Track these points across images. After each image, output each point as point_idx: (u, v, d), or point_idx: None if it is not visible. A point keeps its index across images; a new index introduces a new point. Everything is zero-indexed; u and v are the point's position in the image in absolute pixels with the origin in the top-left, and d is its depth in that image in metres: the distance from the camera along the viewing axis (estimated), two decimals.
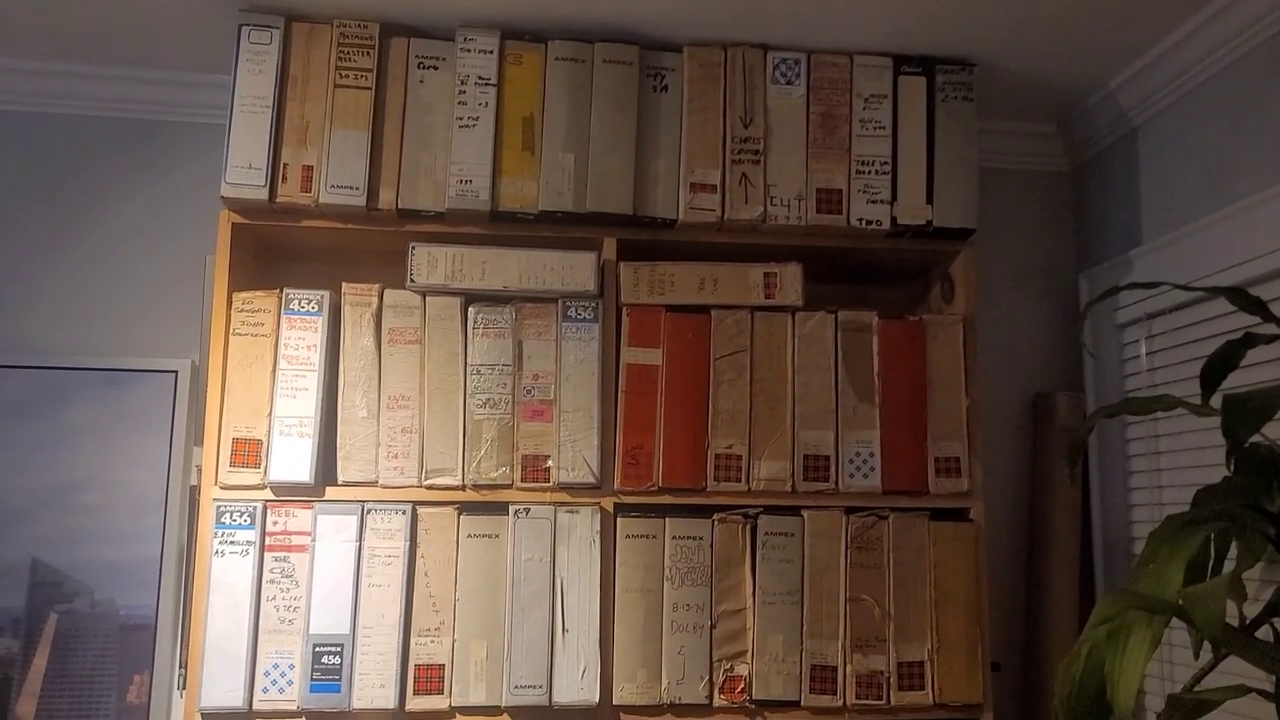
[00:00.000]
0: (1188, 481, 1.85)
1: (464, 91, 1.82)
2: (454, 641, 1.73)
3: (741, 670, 1.78)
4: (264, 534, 1.72)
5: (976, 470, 1.88)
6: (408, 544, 1.74)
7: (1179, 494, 1.88)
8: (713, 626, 1.78)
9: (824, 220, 1.87)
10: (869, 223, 1.89)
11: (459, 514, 1.77)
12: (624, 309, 1.85)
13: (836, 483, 1.84)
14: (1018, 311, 2.26)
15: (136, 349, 2.02)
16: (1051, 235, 2.29)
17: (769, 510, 1.83)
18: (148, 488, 1.98)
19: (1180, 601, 1.21)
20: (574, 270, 1.83)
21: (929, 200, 1.90)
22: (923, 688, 1.80)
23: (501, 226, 1.85)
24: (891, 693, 1.80)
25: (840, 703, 1.78)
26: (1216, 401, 1.37)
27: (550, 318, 1.83)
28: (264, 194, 1.76)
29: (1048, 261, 2.28)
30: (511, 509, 1.77)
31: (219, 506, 1.72)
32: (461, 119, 1.81)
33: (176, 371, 2.01)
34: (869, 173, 1.89)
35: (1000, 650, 2.00)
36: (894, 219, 1.89)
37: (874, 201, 1.89)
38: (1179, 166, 1.93)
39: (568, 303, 1.83)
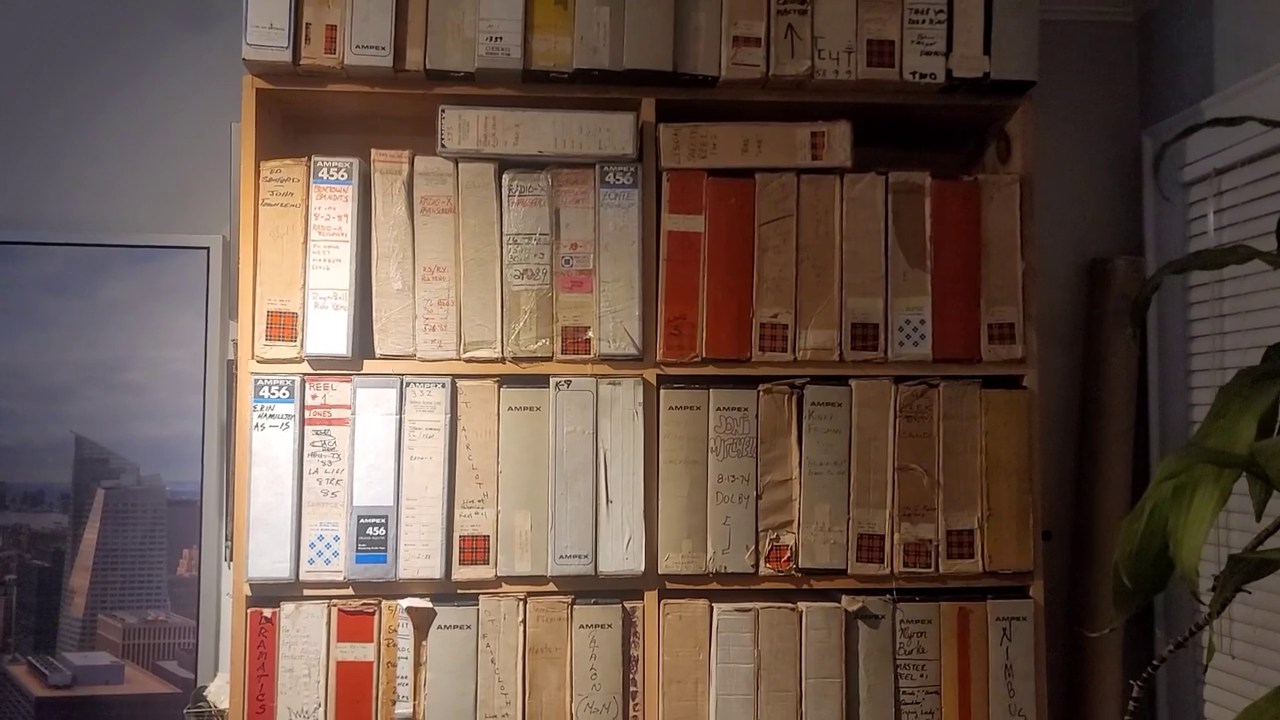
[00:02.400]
0: (1254, 344, 1.78)
1: None
2: (498, 513, 1.72)
3: (788, 540, 1.76)
4: (303, 407, 1.71)
5: (1031, 337, 1.82)
6: (448, 417, 1.72)
7: (1244, 358, 1.81)
8: (758, 497, 1.76)
9: (875, 74, 1.77)
10: (922, 76, 1.78)
11: (499, 387, 1.74)
12: (664, 174, 1.77)
13: (885, 351, 1.79)
14: (1075, 173, 2.15)
15: (170, 225, 1.99)
16: (1113, 90, 2.17)
17: (815, 380, 1.78)
18: (186, 365, 1.96)
19: (1252, 455, 1.15)
20: (611, 133, 1.75)
21: (986, 51, 1.78)
22: (972, 556, 1.78)
23: (535, 88, 1.77)
24: (940, 561, 1.77)
25: (888, 570, 1.77)
26: None
27: (587, 184, 1.76)
28: (287, 55, 1.69)
29: (1108, 118, 2.16)
30: (552, 381, 1.73)
31: (257, 380, 1.70)
32: None
33: (209, 247, 1.98)
34: (923, 22, 1.78)
35: (1050, 519, 1.96)
36: (949, 72, 1.78)
37: (928, 53, 1.78)
38: (1255, 9, 1.79)
39: (605, 168, 1.75)
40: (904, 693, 1.75)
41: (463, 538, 1.72)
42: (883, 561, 1.77)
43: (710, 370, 1.77)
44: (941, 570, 1.77)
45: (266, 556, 1.68)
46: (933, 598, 1.77)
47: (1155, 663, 1.35)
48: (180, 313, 1.97)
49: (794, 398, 1.77)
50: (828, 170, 1.79)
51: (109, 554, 1.94)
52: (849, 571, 1.76)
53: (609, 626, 1.72)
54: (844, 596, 1.76)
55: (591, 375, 1.74)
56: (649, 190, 1.77)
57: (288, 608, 1.68)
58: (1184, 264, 1.47)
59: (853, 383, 1.78)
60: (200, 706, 1.75)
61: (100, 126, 2.01)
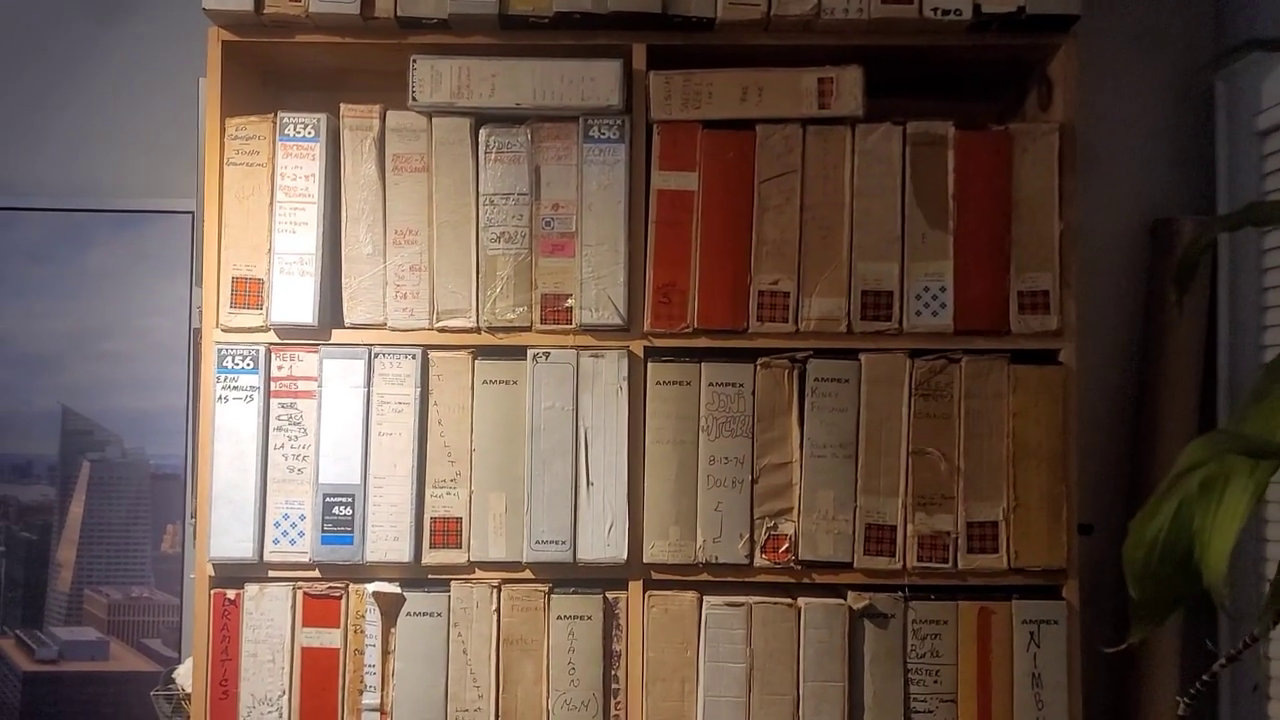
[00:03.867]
0: None
1: None
2: (471, 494, 1.61)
3: (786, 529, 1.60)
4: (269, 379, 1.62)
5: (1069, 306, 1.61)
6: (418, 390, 1.61)
7: None
8: (754, 481, 1.60)
9: (890, 12, 1.58)
10: (945, 13, 1.58)
11: (473, 358, 1.62)
12: (654, 126, 1.62)
13: (900, 321, 1.61)
14: (1134, 123, 1.92)
15: (153, 189, 1.92)
16: (1179, 25, 1.92)
17: (820, 354, 1.61)
18: (169, 334, 1.90)
19: None
20: (596, 82, 1.60)
21: None
22: (995, 550, 1.59)
23: (513, 35, 1.63)
24: (959, 555, 1.59)
25: (899, 565, 1.59)
26: None
27: (570, 139, 1.62)
28: (249, 4, 1.59)
29: (1175, 58, 1.92)
30: (530, 353, 1.60)
31: (220, 350, 1.61)
32: None
33: (193, 212, 1.90)
34: None
35: (1093, 512, 1.76)
36: (976, 7, 1.58)
37: None
38: None
39: (590, 121, 1.61)
40: (915, 700, 1.58)
41: (433, 519, 1.61)
42: (894, 555, 1.60)
43: (702, 342, 1.62)
44: (960, 565, 1.59)
45: (229, 536, 1.60)
46: (950, 596, 1.60)
47: (1205, 678, 1.18)
48: (163, 280, 1.90)
49: (795, 373, 1.61)
50: (837, 120, 1.61)
51: (94, 528, 1.89)
52: (855, 565, 1.59)
53: (589, 618, 1.59)
54: (849, 592, 1.59)
55: (573, 347, 1.61)
56: (637, 145, 1.62)
57: (251, 589, 1.60)
58: (1238, 219, 1.26)
59: (862, 356, 1.61)
60: (170, 689, 1.69)
61: (75, 89, 1.95)
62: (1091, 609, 1.66)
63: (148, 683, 1.85)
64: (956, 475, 1.60)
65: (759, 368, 1.61)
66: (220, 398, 1.61)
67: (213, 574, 1.61)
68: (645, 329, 1.61)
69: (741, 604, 1.58)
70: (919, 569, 1.60)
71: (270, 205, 1.62)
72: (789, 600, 1.59)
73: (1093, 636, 1.62)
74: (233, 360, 1.61)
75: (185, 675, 1.68)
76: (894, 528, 1.60)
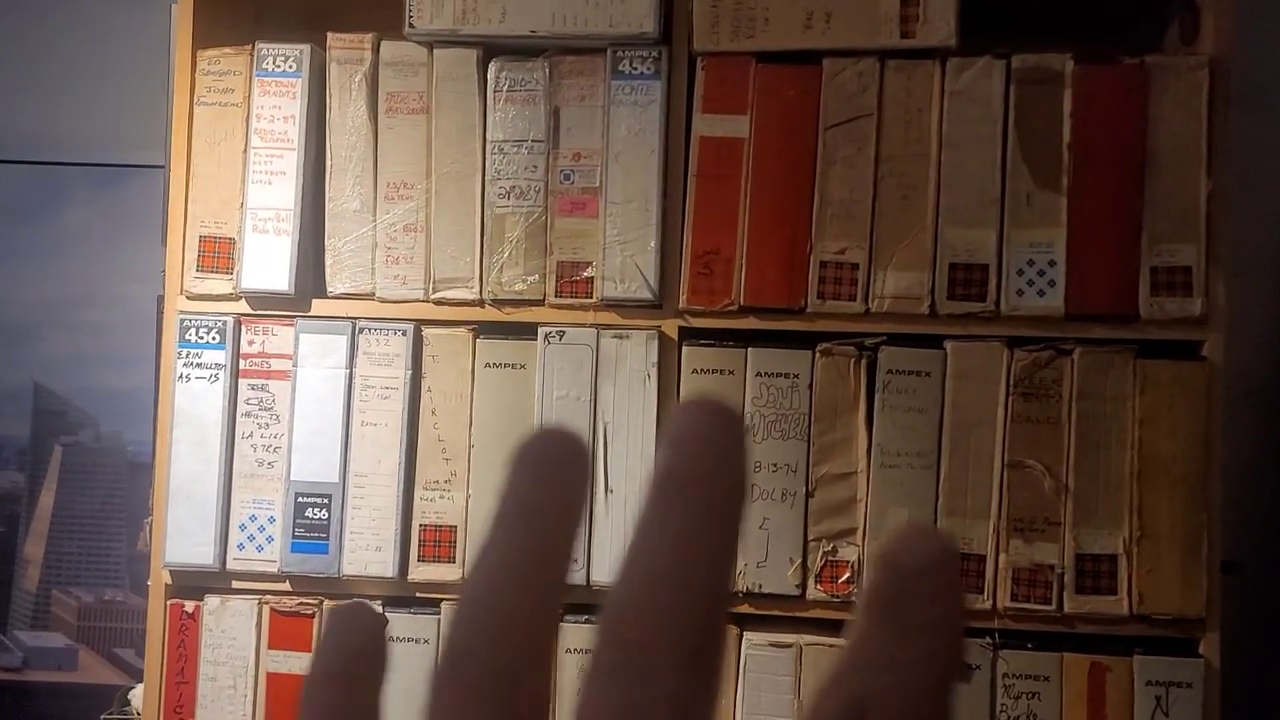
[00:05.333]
0: None
1: None
2: (468, 498, 1.35)
3: (847, 554, 1.30)
4: (237, 355, 1.38)
5: (1217, 287, 1.28)
6: (409, 373, 1.35)
7: None
8: (809, 495, 1.31)
9: None
10: None
11: (474, 337, 1.35)
12: (697, 59, 1.34)
13: (998, 302, 1.29)
14: None
15: (132, 141, 1.70)
16: None
17: (895, 340, 1.31)
18: (148, 303, 1.68)
19: None
20: (627, 5, 1.33)
21: None
22: (1113, 591, 1.27)
23: None
24: (1065, 595, 1.27)
25: (989, 604, 1.28)
26: None
27: (596, 75, 1.35)
28: None
29: None
30: (542, 332, 1.34)
31: (183, 321, 1.38)
32: None
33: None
34: None
35: (1238, 547, 1.41)
36: None
37: None
38: None
39: (619, 52, 1.33)
40: None
41: (424, 527, 1.35)
42: (981, 591, 1.29)
43: (750, 323, 1.33)
44: (1067, 609, 1.27)
45: (189, 538, 1.37)
46: (1053, 646, 1.28)
47: None
48: (146, 243, 1.68)
49: (864, 363, 1.31)
50: (923, 53, 1.31)
51: (66, 521, 1.69)
52: None
53: None
54: None
55: (592, 325, 1.34)
56: (677, 82, 1.34)
57: (212, 602, 1.37)
58: None
59: (948, 344, 1.30)
60: (125, 712, 1.46)
61: (48, 32, 1.75)
62: (1234, 668, 1.32)
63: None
64: (1064, 495, 1.28)
65: (819, 356, 1.31)
66: (181, 376, 1.37)
67: (169, 582, 1.38)
68: (680, 305, 1.33)
69: (790, 644, 1.29)
70: (1013, 610, 1.28)
71: (244, 152, 1.38)
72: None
73: (1235, 703, 1.29)
74: (196, 333, 1.37)
75: (141, 697, 1.45)
76: (982, 558, 1.29)
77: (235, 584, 1.37)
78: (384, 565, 1.34)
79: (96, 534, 1.70)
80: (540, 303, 1.35)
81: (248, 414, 1.38)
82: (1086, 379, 1.28)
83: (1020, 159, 1.30)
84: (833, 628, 1.31)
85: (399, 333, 1.36)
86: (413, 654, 1.34)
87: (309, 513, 1.35)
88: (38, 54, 1.77)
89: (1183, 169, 1.29)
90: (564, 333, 1.33)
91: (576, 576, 1.32)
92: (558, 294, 1.35)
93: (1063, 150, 1.29)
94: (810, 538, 1.31)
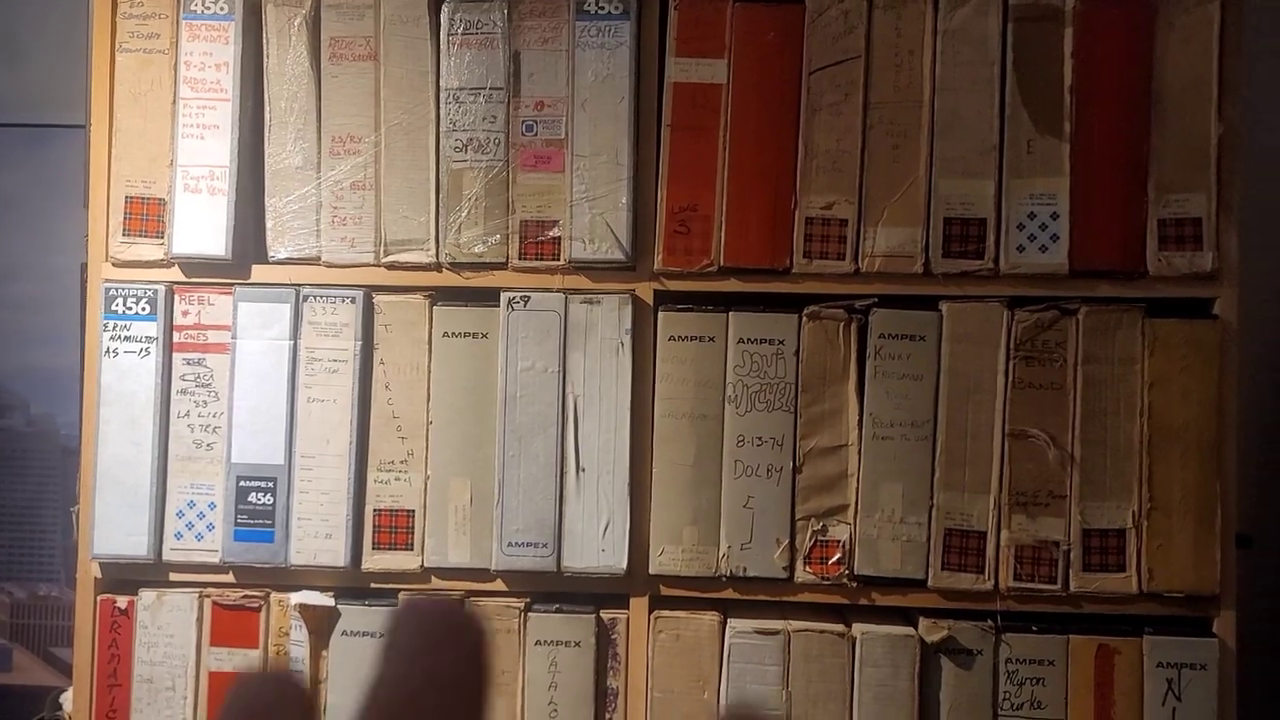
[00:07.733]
0: None
1: None
2: (426, 480, 1.24)
3: (839, 533, 1.21)
4: (170, 327, 1.26)
5: (1230, 239, 1.19)
6: (359, 344, 1.24)
7: None
8: (796, 470, 1.21)
9: None
10: None
11: (431, 304, 1.24)
12: None
13: (997, 259, 1.20)
14: None
15: (58, 100, 1.57)
16: None
17: (887, 301, 1.21)
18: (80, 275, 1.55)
19: None
20: None
21: None
22: (1121, 568, 1.18)
23: None
24: (1071, 574, 1.19)
25: (990, 584, 1.19)
26: None
27: (559, 15, 1.23)
28: None
29: None
30: (504, 297, 1.23)
31: (109, 290, 1.26)
32: None
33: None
34: None
35: (1253, 519, 1.33)
36: None
37: None
38: None
39: None
40: None
41: (378, 512, 1.24)
42: (982, 570, 1.20)
43: (731, 285, 1.23)
44: (1074, 587, 1.19)
45: (119, 527, 1.25)
46: (1058, 628, 1.19)
47: None
48: (75, 208, 1.56)
49: (854, 327, 1.21)
50: None
51: None
52: (930, 584, 1.20)
53: (576, 645, 1.22)
54: (921, 619, 1.20)
55: (560, 290, 1.23)
56: (648, 23, 1.23)
57: (147, 597, 1.25)
58: None
59: (944, 306, 1.20)
60: (56, 716, 1.35)
61: None
62: (1250, 648, 1.24)
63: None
64: (1069, 466, 1.19)
65: (805, 319, 1.21)
66: (108, 351, 1.25)
67: (99, 575, 1.27)
68: (655, 267, 1.23)
69: (777, 631, 1.19)
70: (1016, 590, 1.19)
71: (173, 104, 1.26)
72: (840, 628, 1.19)
73: (1251, 685, 1.21)
74: (124, 303, 1.25)
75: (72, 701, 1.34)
76: (983, 535, 1.20)
77: (173, 576, 1.26)
78: (335, 554, 1.23)
79: (29, 525, 1.58)
80: (503, 266, 1.24)
81: (183, 391, 1.26)
82: (1092, 340, 1.19)
83: (1019, 103, 1.20)
84: (825, 613, 1.22)
85: (347, 300, 1.24)
86: (368, 649, 1.23)
87: (252, 498, 1.24)
88: None
89: (1192, 113, 1.20)
90: (529, 298, 1.23)
91: (547, 562, 1.22)
92: (521, 256, 1.24)
93: (1064, 93, 1.20)
94: (798, 516, 1.21)
